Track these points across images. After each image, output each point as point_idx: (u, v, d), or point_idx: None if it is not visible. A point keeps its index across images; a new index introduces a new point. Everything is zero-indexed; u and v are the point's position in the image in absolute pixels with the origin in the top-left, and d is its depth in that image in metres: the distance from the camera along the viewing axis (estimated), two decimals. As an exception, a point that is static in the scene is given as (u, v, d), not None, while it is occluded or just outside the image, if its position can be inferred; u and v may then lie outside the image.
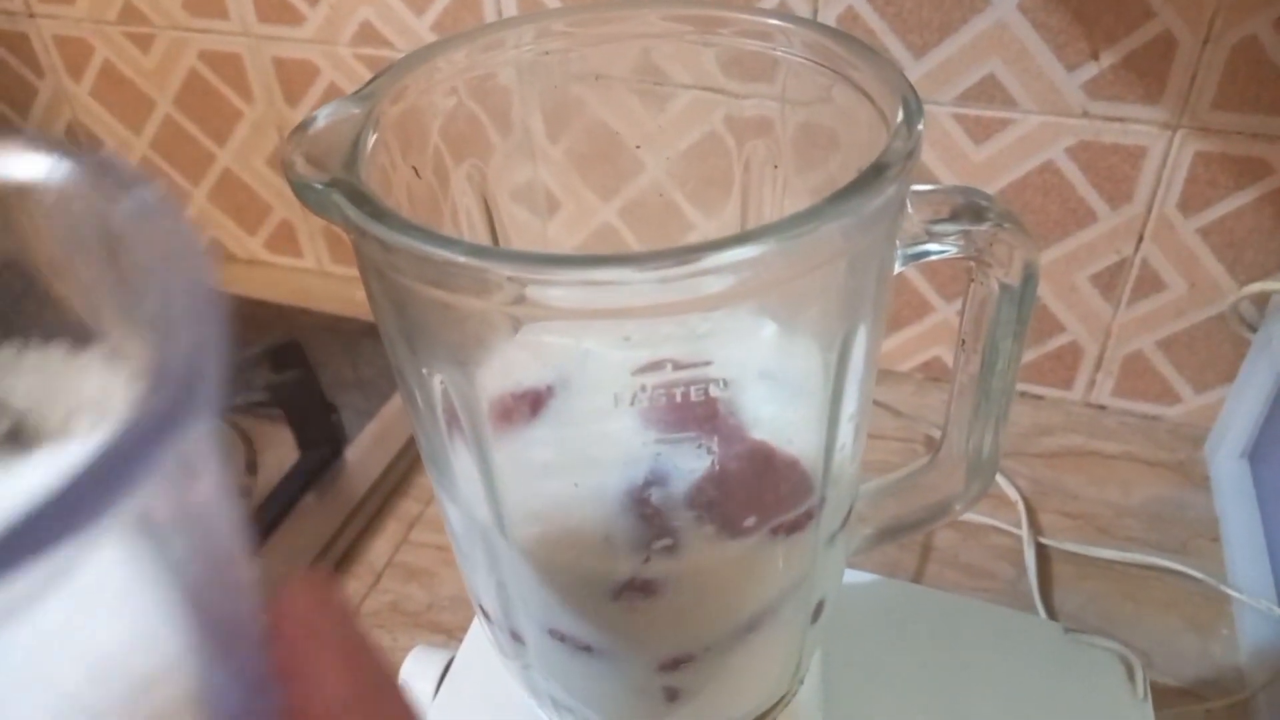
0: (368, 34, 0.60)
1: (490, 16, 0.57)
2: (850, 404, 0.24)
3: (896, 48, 0.51)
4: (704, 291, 0.18)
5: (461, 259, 0.18)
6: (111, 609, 0.10)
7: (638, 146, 0.32)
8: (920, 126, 0.21)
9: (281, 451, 0.57)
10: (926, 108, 0.52)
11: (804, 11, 0.51)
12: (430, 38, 0.59)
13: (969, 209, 0.24)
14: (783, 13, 0.27)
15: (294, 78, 0.64)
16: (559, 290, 0.19)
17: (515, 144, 0.34)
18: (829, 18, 0.51)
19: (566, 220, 0.41)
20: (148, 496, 0.09)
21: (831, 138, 0.28)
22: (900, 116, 0.21)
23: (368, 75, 0.63)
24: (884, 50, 0.51)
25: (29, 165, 0.13)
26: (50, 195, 0.13)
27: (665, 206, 0.37)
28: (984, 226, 0.24)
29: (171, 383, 0.10)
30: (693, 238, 0.37)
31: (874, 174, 0.20)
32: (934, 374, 0.61)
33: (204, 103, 0.68)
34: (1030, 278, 0.25)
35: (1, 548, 0.08)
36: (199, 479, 0.10)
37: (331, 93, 0.64)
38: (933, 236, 0.24)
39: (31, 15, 0.68)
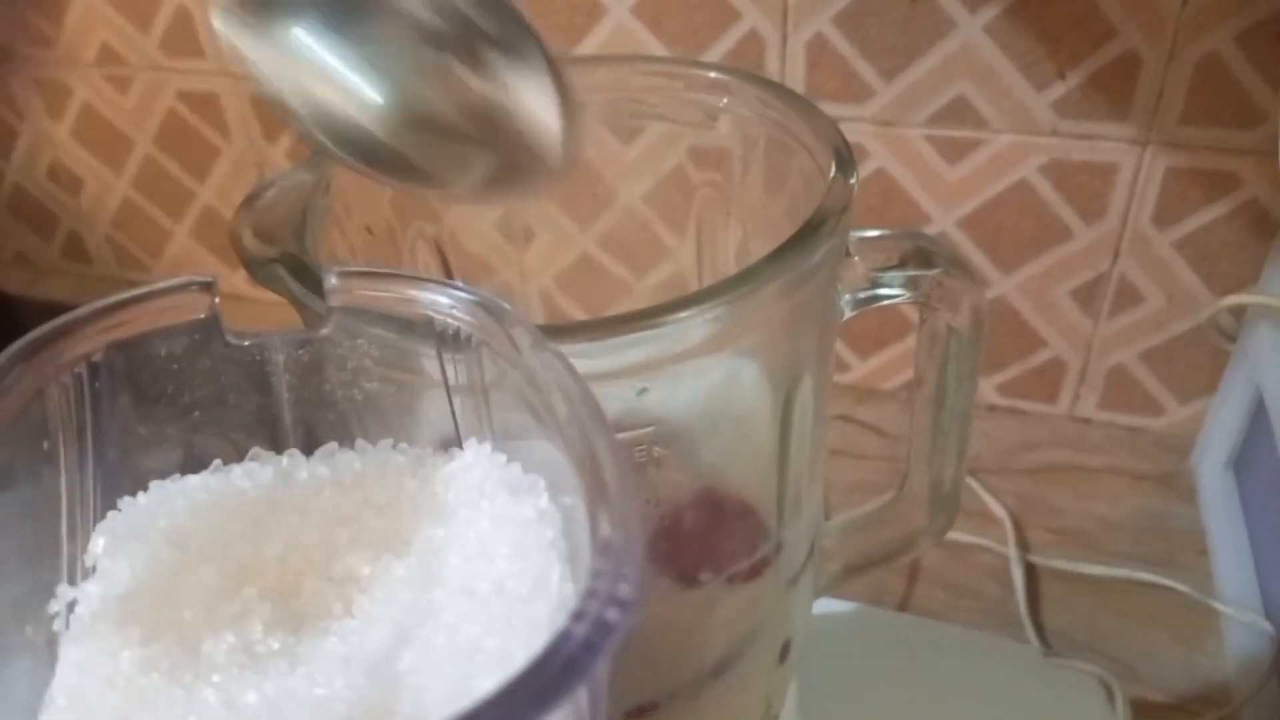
0: (344, 71, 0.61)
1: (464, 52, 0.57)
2: (801, 451, 0.24)
3: (867, 72, 0.51)
4: (640, 359, 0.19)
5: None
6: None
7: (593, 196, 0.32)
8: (853, 180, 0.22)
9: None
10: (899, 130, 0.52)
11: (774, 38, 0.52)
12: (406, 73, 0.60)
13: (916, 254, 0.24)
14: (730, 67, 0.27)
15: (272, 114, 0.64)
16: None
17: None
18: (798, 44, 0.51)
19: (544, 250, 0.41)
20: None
21: (781, 177, 0.29)
22: (834, 168, 0.22)
23: (346, 111, 0.63)
24: (854, 75, 0.51)
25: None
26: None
27: (642, 231, 0.38)
28: (931, 272, 0.24)
29: (627, 591, 0.11)
30: (668, 263, 0.37)
31: (810, 230, 0.21)
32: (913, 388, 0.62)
33: (183, 141, 0.68)
34: (979, 321, 0.25)
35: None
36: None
37: (311, 130, 0.64)
38: (880, 283, 0.24)
39: (10, 59, 0.69)
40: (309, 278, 0.20)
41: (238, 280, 0.69)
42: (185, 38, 0.63)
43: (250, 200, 0.22)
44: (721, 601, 0.24)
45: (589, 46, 0.55)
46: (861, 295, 0.25)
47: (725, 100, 0.27)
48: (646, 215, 0.37)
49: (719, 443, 0.23)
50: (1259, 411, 0.50)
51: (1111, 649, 0.47)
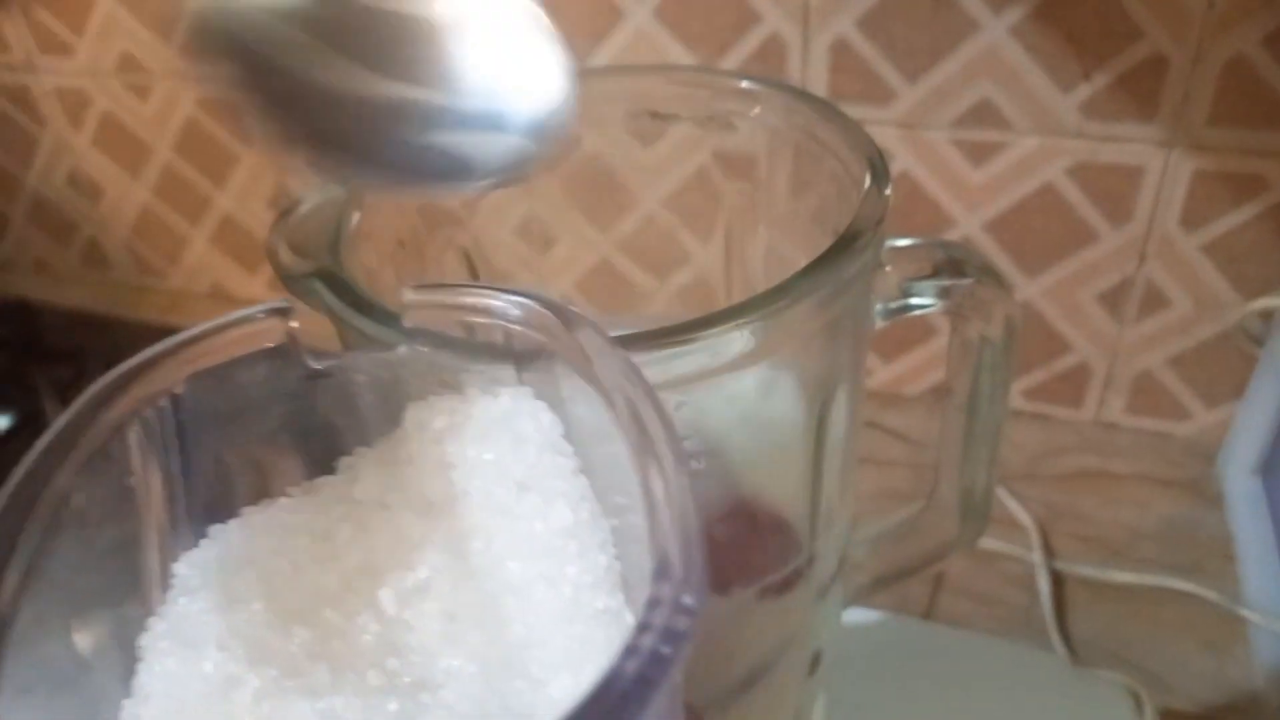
0: (365, 77, 0.61)
1: (484, 57, 0.57)
2: (833, 463, 0.24)
3: (890, 74, 0.51)
4: (677, 373, 0.19)
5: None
6: None
7: (617, 206, 0.32)
8: (888, 191, 0.21)
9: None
10: (923, 133, 0.52)
11: (796, 42, 0.52)
12: (426, 79, 0.60)
13: (948, 264, 0.24)
14: (759, 76, 0.27)
15: (294, 122, 0.65)
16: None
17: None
18: (820, 47, 0.51)
19: (564, 255, 0.41)
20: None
21: (808, 182, 0.28)
22: (868, 180, 0.22)
23: (366, 117, 0.63)
24: (877, 77, 0.51)
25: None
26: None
27: (664, 236, 0.37)
28: (964, 282, 0.24)
29: (680, 612, 0.11)
30: (689, 268, 0.37)
31: (846, 243, 0.20)
32: (943, 397, 0.61)
33: (203, 148, 0.68)
34: (1011, 331, 0.25)
35: None
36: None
37: (331, 135, 0.64)
38: (912, 293, 0.24)
39: (32, 68, 0.69)
40: (345, 292, 0.20)
41: (256, 286, 0.69)
42: (206, 44, 0.63)
43: (284, 215, 0.22)
44: (753, 614, 0.24)
45: (609, 49, 0.55)
46: (893, 305, 0.24)
47: (756, 110, 0.27)
48: (669, 220, 0.37)
49: (754, 455, 0.23)
50: (1288, 416, 0.49)
51: (1139, 657, 0.46)
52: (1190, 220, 0.50)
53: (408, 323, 0.18)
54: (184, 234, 0.73)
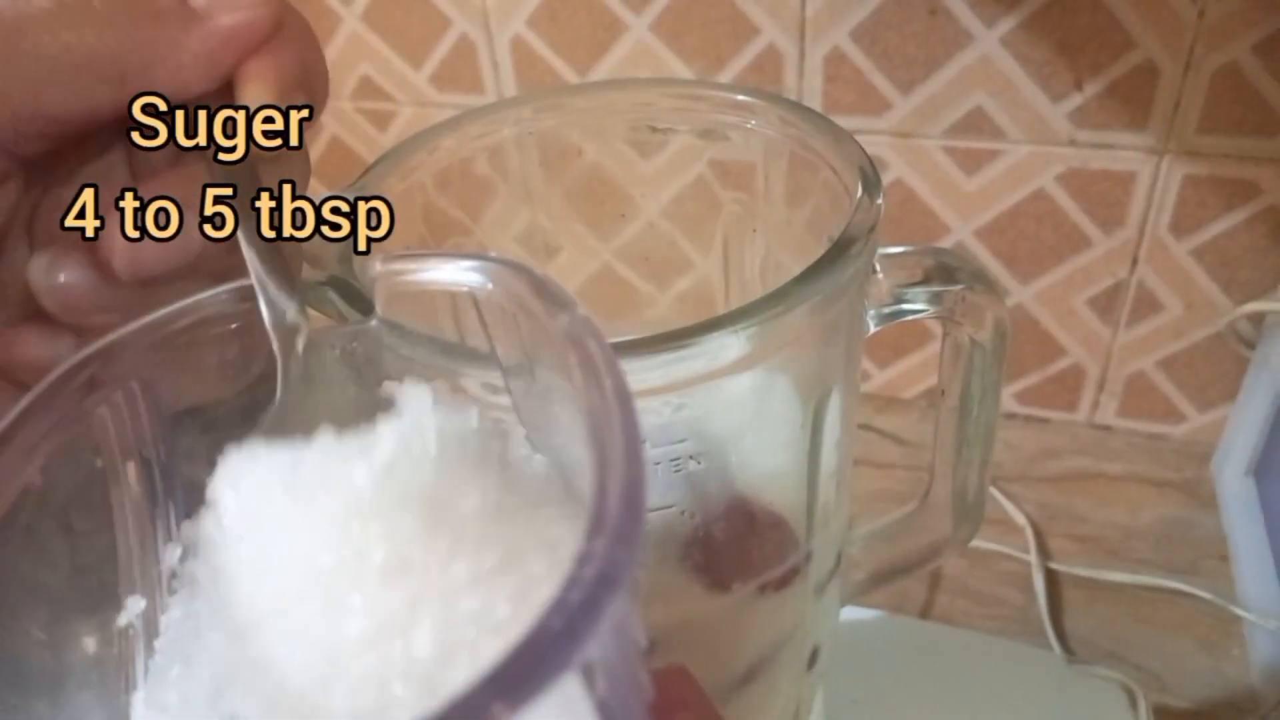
0: (368, 88, 0.62)
1: (486, 69, 0.58)
2: (829, 463, 0.24)
3: (884, 85, 0.52)
4: (677, 376, 0.19)
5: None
6: None
7: (620, 217, 0.33)
8: (879, 200, 0.22)
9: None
10: (917, 142, 0.53)
11: (792, 54, 0.52)
12: (428, 90, 0.61)
13: (939, 270, 0.25)
14: (754, 89, 0.28)
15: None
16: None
17: (514, 193, 0.35)
18: (816, 59, 0.52)
19: (567, 263, 0.42)
20: (594, 647, 0.10)
21: (804, 191, 0.29)
22: (860, 190, 0.22)
23: (369, 128, 0.64)
24: (872, 88, 0.52)
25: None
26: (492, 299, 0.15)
27: (662, 244, 0.38)
28: (955, 288, 0.25)
29: (615, 537, 0.10)
30: (689, 275, 0.38)
31: (839, 251, 0.21)
32: (937, 400, 0.62)
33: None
34: (1001, 334, 0.26)
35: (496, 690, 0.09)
36: (623, 624, 0.11)
37: (334, 146, 0.65)
38: (904, 299, 0.25)
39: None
40: (357, 300, 0.21)
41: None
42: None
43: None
44: (752, 609, 0.25)
45: (610, 62, 0.56)
46: (886, 310, 0.25)
47: (752, 122, 0.27)
48: (669, 229, 0.38)
49: (752, 455, 0.24)
50: (1279, 418, 0.50)
51: (1134, 656, 0.47)
52: (1181, 225, 0.51)
53: (378, 294, 0.18)
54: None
